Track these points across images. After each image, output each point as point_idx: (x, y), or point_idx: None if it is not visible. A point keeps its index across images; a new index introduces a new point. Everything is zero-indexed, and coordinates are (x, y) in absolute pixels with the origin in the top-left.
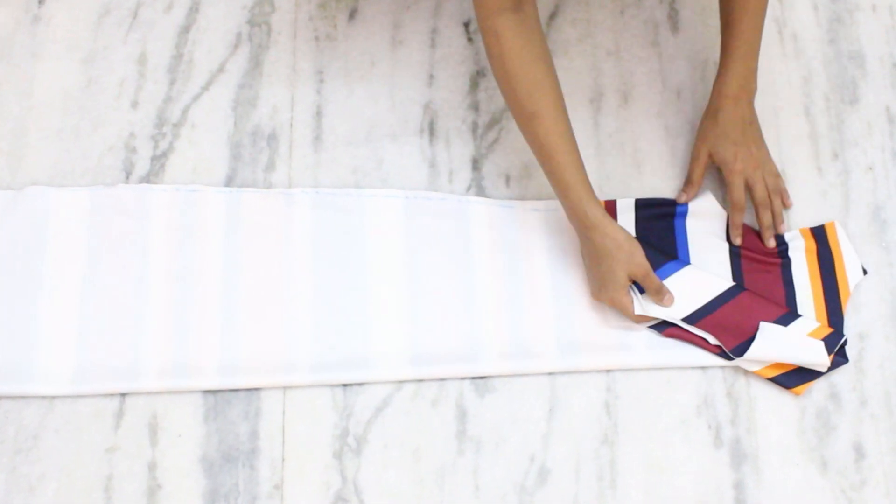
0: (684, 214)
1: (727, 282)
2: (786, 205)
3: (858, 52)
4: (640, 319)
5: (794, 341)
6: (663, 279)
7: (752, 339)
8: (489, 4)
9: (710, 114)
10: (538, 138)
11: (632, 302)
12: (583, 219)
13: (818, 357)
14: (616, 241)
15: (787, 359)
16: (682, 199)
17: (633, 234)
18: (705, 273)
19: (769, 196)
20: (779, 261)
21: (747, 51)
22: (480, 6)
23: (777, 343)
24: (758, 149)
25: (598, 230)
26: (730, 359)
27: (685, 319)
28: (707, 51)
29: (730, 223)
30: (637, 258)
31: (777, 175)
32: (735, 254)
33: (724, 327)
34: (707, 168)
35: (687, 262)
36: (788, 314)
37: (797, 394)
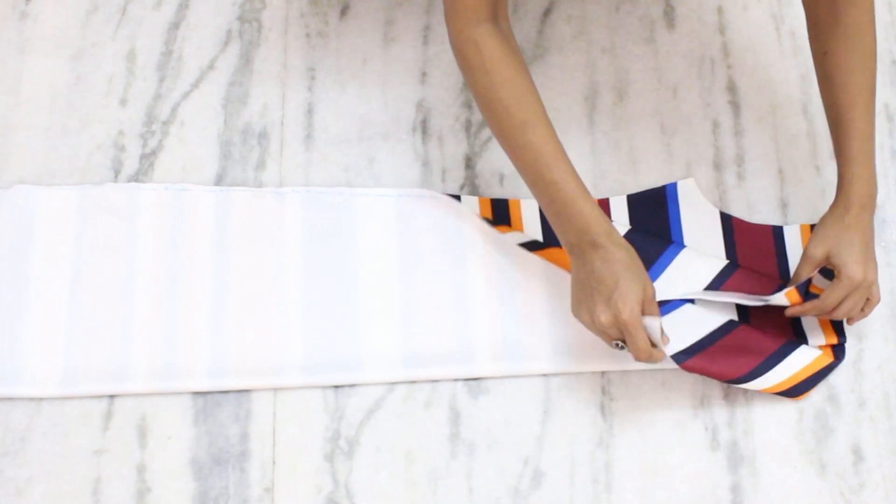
0: (677, 207)
1: (725, 315)
2: (849, 321)
3: None
4: (643, 354)
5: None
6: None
7: (753, 372)
8: (466, 16)
9: (836, 216)
10: (533, 148)
11: (642, 327)
12: (587, 233)
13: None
14: (627, 259)
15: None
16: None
17: (629, 232)
18: (702, 298)
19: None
20: (775, 258)
21: (868, 149)
22: (455, 18)
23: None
24: (875, 267)
25: (604, 248)
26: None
27: (684, 352)
28: (703, 48)
29: (822, 326)
30: (649, 282)
31: (875, 299)
32: (730, 249)
33: (722, 360)
34: (817, 269)
35: (682, 246)
36: (788, 344)
37: (799, 399)
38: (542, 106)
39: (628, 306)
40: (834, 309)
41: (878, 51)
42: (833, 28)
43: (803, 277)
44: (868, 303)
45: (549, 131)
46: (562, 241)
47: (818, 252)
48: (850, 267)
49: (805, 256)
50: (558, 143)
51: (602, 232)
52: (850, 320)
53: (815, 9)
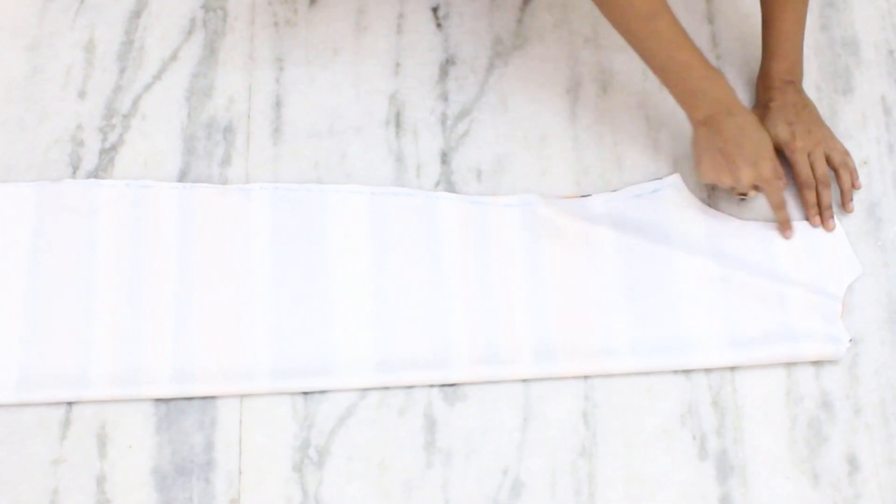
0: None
1: None
2: (855, 185)
3: (852, 39)
4: (781, 204)
5: None
6: None
7: None
8: None
9: (760, 105)
10: (662, 34)
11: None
12: (722, 103)
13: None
14: (757, 122)
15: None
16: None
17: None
18: None
19: (837, 171)
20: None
21: (790, 47)
22: None
23: None
24: (817, 127)
25: (738, 115)
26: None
27: None
28: (691, 37)
29: (803, 203)
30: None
31: (845, 152)
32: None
33: None
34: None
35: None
36: None
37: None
38: None
39: (770, 164)
40: (811, 177)
41: (874, 40)
42: None
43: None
44: (835, 158)
45: (673, 18)
46: (693, 116)
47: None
48: (781, 137)
49: None
50: (682, 26)
51: (734, 100)
52: (843, 196)
53: None
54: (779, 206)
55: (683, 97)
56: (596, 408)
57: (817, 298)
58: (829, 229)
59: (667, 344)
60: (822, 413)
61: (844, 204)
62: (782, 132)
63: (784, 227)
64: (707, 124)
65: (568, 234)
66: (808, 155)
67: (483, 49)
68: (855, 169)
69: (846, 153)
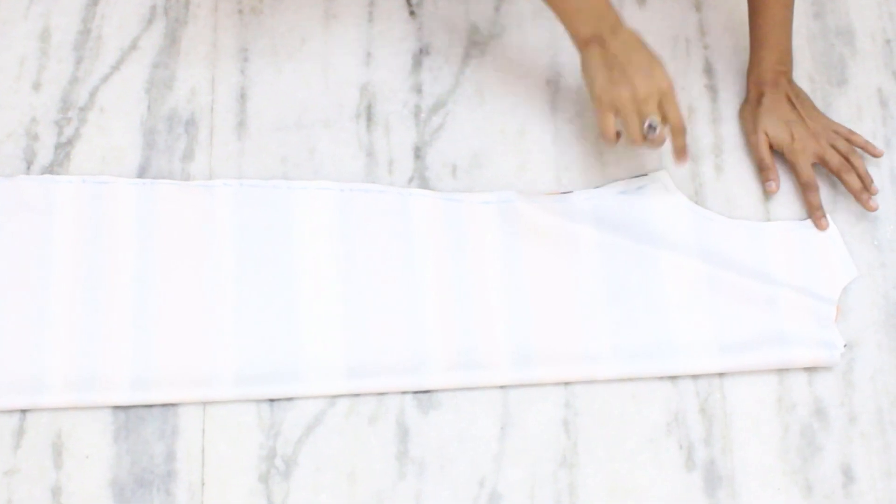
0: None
1: None
2: (875, 154)
3: (847, 28)
4: (682, 121)
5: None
6: None
7: None
8: None
9: (752, 100)
10: None
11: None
12: (605, 19)
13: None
14: (643, 41)
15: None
16: (774, 188)
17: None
18: None
19: (848, 159)
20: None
21: (779, 37)
22: None
23: None
24: (814, 119)
25: (623, 31)
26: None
27: None
28: (677, 26)
29: (807, 206)
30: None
31: (847, 133)
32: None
33: None
34: (769, 146)
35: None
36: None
37: None
38: None
39: (666, 76)
40: (812, 178)
41: (870, 29)
42: None
43: (767, 159)
44: (841, 147)
45: None
46: (578, 35)
47: (758, 135)
48: (779, 137)
49: (752, 145)
50: None
51: (618, 20)
52: (863, 179)
53: None
54: (681, 122)
55: (570, 15)
56: (577, 416)
57: (810, 301)
58: (872, 209)
59: (652, 349)
60: (815, 421)
61: (867, 187)
62: (780, 133)
63: (679, 155)
64: (594, 43)
65: (548, 233)
66: (814, 154)
67: (459, 38)
68: (865, 142)
69: (851, 133)
